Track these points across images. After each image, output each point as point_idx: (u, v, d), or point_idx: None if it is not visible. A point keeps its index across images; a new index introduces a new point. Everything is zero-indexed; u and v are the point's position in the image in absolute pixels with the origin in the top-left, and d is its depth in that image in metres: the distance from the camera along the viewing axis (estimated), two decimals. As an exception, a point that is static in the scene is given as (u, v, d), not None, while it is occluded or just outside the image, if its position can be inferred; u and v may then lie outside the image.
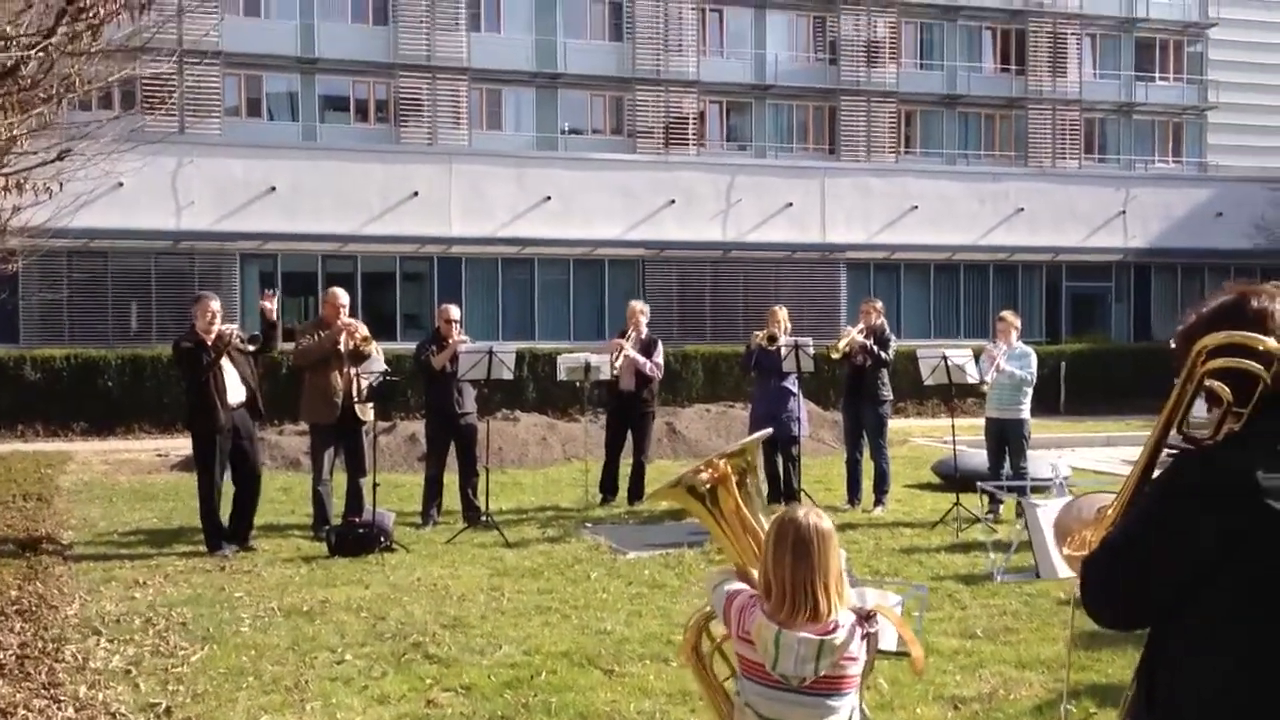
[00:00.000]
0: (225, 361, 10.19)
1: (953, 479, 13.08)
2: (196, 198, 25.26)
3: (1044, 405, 20.28)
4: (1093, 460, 16.98)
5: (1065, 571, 4.66)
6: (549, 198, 27.64)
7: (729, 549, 3.88)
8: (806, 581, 3.40)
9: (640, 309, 12.84)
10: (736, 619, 3.49)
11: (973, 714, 6.04)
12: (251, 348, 10.59)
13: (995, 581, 6.39)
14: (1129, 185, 32.90)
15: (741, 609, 3.49)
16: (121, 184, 22.60)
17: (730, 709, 3.71)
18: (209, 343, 10.10)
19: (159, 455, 18.00)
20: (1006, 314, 11.90)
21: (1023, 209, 31.12)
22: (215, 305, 10.36)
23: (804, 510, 3.54)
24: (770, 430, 4.48)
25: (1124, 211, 32.08)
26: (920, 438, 19.74)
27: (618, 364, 12.36)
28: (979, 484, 10.38)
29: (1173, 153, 43.28)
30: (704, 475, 3.81)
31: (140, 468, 16.76)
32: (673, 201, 28.62)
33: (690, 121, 36.19)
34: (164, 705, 6.05)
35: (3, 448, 19.33)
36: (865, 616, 3.49)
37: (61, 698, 6.10)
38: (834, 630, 3.41)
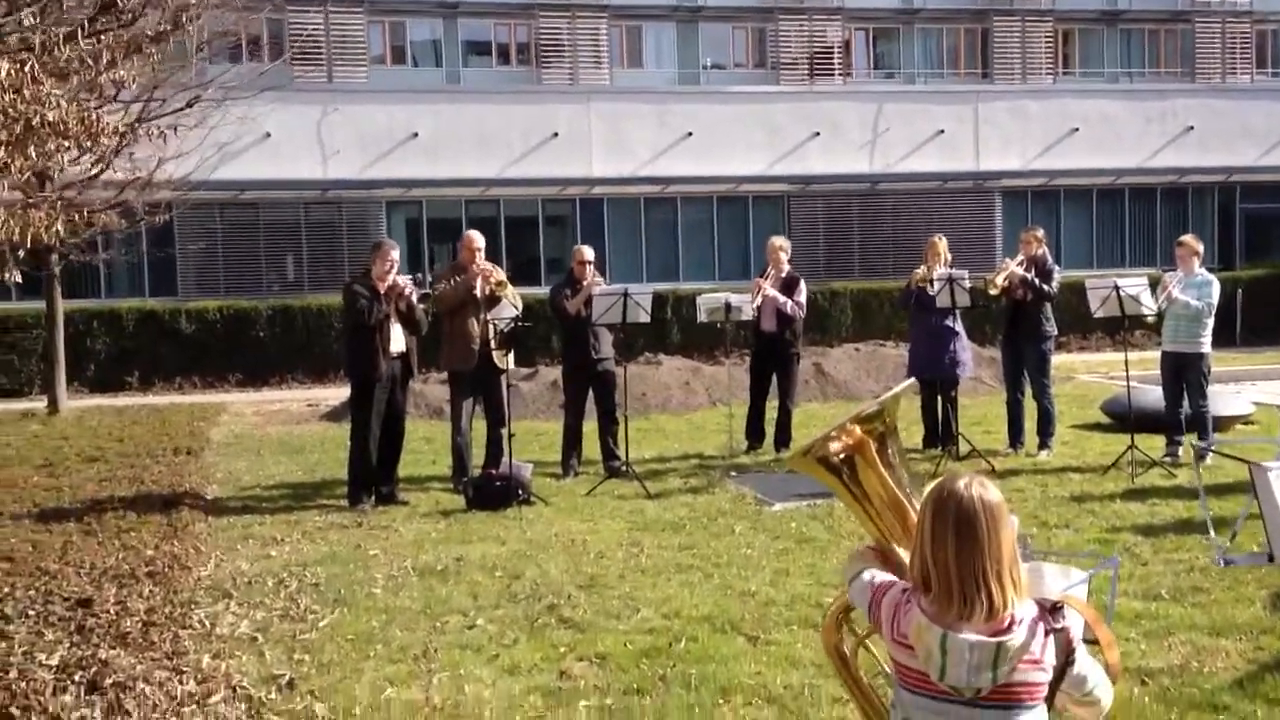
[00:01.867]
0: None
1: (1125, 419, 12.28)
2: (342, 146, 25.32)
3: (1219, 336, 18.86)
4: (1276, 395, 15.82)
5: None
6: (690, 134, 27.03)
7: (870, 529, 3.31)
8: (975, 569, 2.77)
9: (780, 245, 12.22)
10: (889, 619, 2.89)
11: (1162, 689, 5.37)
12: (421, 305, 10.41)
13: (1218, 565, 5.51)
14: (1309, 97, 30.81)
15: (895, 606, 2.89)
16: (269, 134, 22.82)
17: (884, 716, 3.15)
18: (382, 291, 9.93)
19: (309, 405, 18.11)
20: (1187, 238, 10.93)
21: (1192, 127, 29.41)
22: (395, 254, 10.22)
23: (964, 479, 2.87)
24: (912, 381, 3.79)
25: (1303, 125, 30.07)
26: (1085, 374, 18.72)
27: (757, 304, 11.79)
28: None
29: (1356, 61, 40.42)
30: (836, 445, 3.21)
31: (290, 418, 16.87)
32: (817, 134, 27.75)
33: (835, 51, 34.96)
34: (287, 677, 5.79)
35: (161, 400, 19.71)
36: (1050, 609, 2.83)
37: (184, 668, 5.89)
38: (1010, 629, 2.76)
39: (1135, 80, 35.79)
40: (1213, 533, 5.75)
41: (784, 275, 11.97)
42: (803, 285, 12.06)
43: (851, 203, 28.12)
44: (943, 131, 28.34)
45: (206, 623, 6.74)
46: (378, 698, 5.54)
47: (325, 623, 6.73)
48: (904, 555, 3.09)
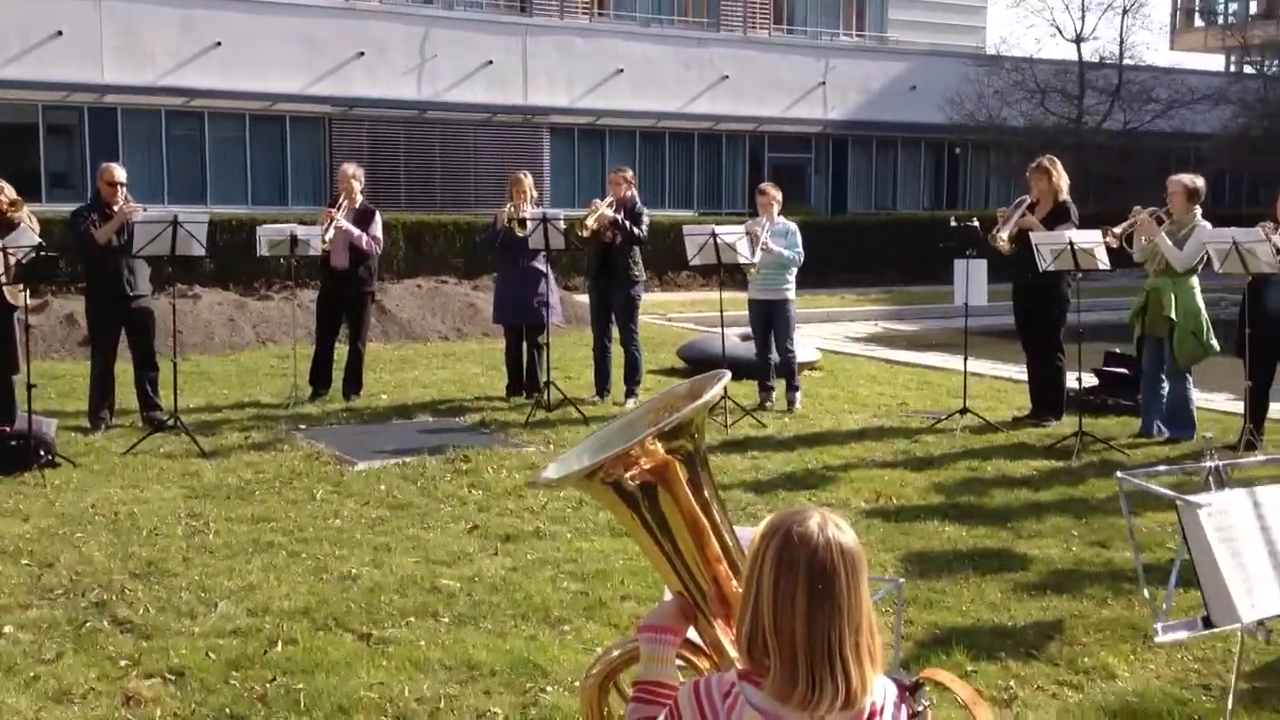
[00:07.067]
0: None
1: (702, 364, 12.22)
2: None
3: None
4: (821, 339, 16.38)
5: (1255, 612, 3.37)
6: (219, 44, 24.69)
7: (673, 584, 2.50)
8: (830, 641, 2.06)
9: (353, 173, 11.04)
10: None
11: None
12: None
13: (1157, 639, 3.75)
14: (829, 56, 32.79)
15: (726, 701, 2.12)
16: None
17: None
18: None
19: None
20: (767, 186, 10.96)
21: (727, 76, 30.46)
22: None
23: (814, 519, 2.14)
24: (727, 375, 2.84)
25: (824, 83, 31.97)
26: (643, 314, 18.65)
27: (328, 237, 10.57)
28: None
29: (856, 27, 43.61)
30: (634, 468, 2.39)
31: None
32: (362, 54, 26.24)
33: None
34: None
35: None
36: (912, 687, 2.20)
37: None
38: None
39: (665, 27, 36.72)
40: (1145, 591, 4.34)
41: (357, 205, 10.84)
42: (379, 218, 10.96)
43: (398, 129, 26.95)
44: (491, 62, 27.67)
45: None
46: None
47: None
48: (733, 627, 2.31)
